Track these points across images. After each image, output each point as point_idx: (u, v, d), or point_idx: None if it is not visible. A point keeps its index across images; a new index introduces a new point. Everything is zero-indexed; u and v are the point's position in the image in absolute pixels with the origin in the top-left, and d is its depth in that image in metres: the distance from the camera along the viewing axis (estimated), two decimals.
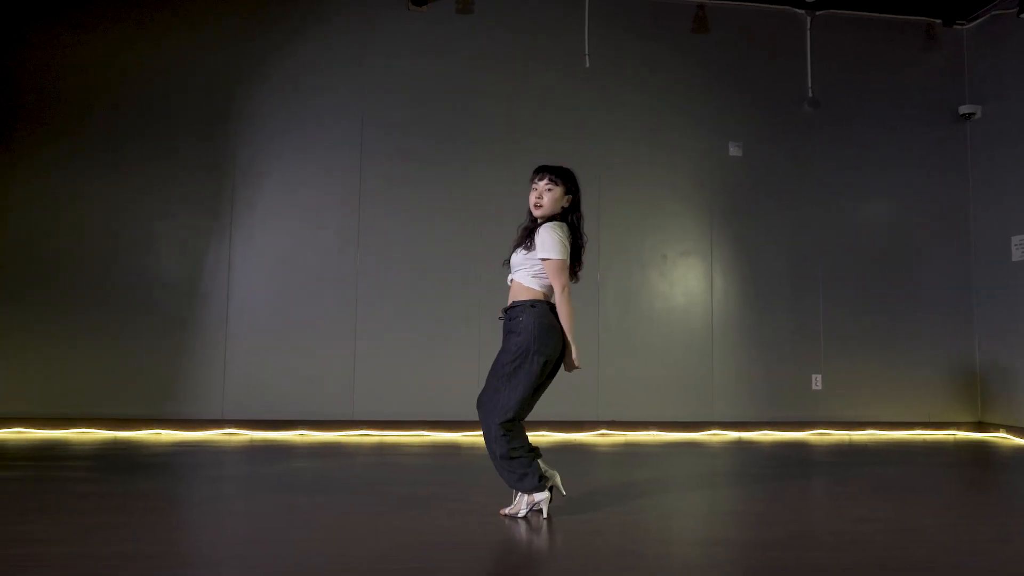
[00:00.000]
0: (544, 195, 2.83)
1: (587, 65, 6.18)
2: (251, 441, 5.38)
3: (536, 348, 2.72)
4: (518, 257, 2.84)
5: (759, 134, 6.45)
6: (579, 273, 2.91)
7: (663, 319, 6.18)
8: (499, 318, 2.90)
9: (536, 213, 2.87)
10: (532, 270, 2.79)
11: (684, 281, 6.26)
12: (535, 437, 5.68)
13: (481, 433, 2.95)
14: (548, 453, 5.12)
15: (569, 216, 2.88)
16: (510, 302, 2.83)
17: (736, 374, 6.21)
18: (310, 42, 6.03)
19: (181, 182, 5.82)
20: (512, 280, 2.86)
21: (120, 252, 5.72)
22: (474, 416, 3.04)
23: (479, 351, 5.75)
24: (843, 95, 6.58)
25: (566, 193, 2.86)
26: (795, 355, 6.29)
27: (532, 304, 2.75)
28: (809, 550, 2.50)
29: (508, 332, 2.81)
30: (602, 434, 5.91)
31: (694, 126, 6.38)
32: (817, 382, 6.30)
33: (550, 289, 2.80)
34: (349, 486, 3.65)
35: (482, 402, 2.87)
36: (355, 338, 5.80)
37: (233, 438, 5.47)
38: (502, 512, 2.93)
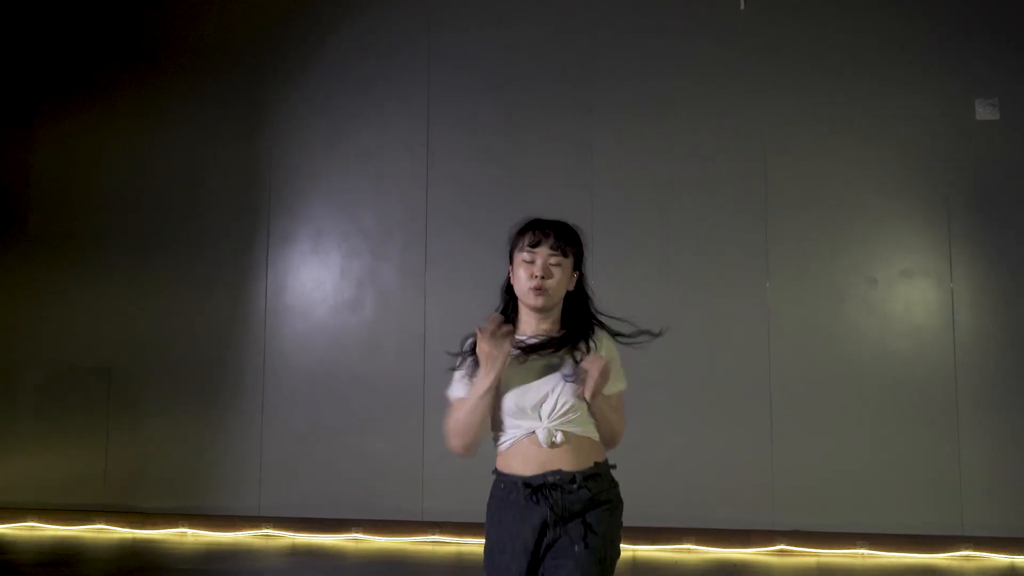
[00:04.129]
0: (553, 272, 1.78)
1: (742, 7, 4.28)
2: (292, 547, 4.14)
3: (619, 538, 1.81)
4: (562, 393, 1.74)
5: None
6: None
7: (873, 377, 4.09)
8: (553, 481, 1.70)
9: (535, 302, 1.77)
10: (584, 410, 1.77)
11: (907, 317, 4.14)
12: (675, 551, 3.94)
13: None
14: None
15: (589, 307, 1.84)
16: (586, 463, 1.75)
17: (1000, 461, 3.99)
18: (359, 35, 4.68)
19: (207, 220, 4.67)
20: (562, 431, 1.74)
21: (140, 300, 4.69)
22: None
23: None
24: None
25: (575, 268, 1.84)
26: None
27: (612, 466, 1.84)
28: None
29: (595, 506, 1.74)
30: (780, 551, 3.99)
31: (912, 82, 4.24)
32: None
33: None
34: None
35: None
36: (424, 410, 4.32)
37: (270, 542, 4.24)
38: None
